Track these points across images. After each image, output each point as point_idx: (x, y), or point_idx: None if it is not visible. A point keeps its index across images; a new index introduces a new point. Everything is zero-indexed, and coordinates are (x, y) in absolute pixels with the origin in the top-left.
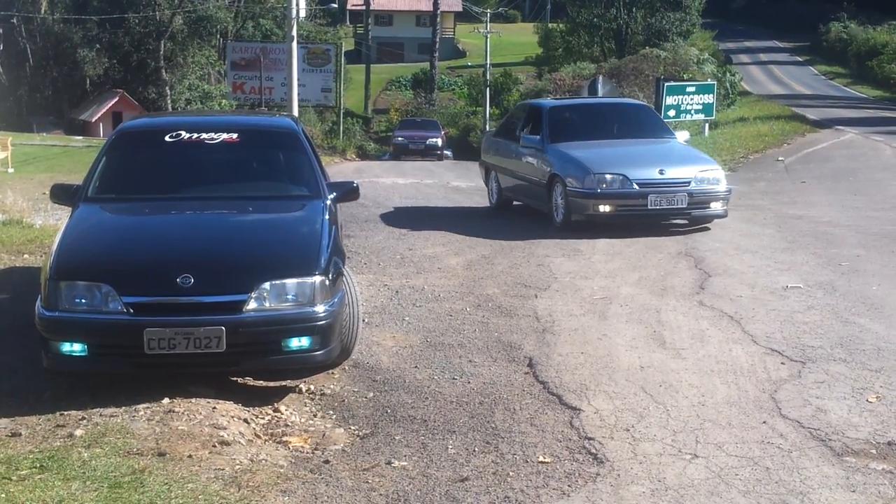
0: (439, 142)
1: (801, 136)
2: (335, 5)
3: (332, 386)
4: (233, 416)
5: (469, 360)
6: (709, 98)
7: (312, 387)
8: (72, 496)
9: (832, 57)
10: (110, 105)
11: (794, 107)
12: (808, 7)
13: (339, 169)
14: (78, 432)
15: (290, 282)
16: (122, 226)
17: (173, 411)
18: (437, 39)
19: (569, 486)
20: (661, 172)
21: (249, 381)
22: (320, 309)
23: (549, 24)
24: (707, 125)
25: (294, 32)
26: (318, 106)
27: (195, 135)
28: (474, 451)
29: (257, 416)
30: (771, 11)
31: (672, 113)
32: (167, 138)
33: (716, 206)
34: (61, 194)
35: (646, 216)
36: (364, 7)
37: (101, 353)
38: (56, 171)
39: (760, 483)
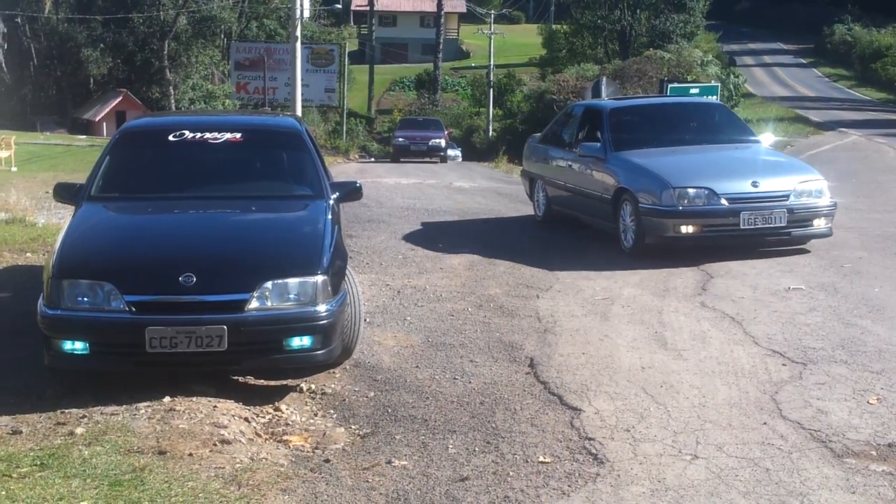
0: (443, 142)
1: (805, 138)
2: (339, 6)
3: (332, 385)
4: (233, 415)
5: (470, 360)
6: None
7: (313, 386)
8: (72, 494)
9: (836, 59)
10: (114, 104)
11: (797, 109)
12: (812, 9)
13: (341, 169)
14: (79, 430)
15: (293, 281)
16: (125, 225)
17: (174, 410)
18: (441, 40)
19: (569, 486)
20: (754, 185)
21: (250, 379)
22: (322, 308)
23: (553, 26)
24: None
25: (298, 33)
26: (322, 106)
27: (199, 134)
28: (475, 450)
29: (258, 415)
30: (775, 13)
31: None
32: (171, 138)
33: (819, 224)
34: (64, 193)
35: (738, 238)
36: (368, 7)
37: (102, 351)
38: (59, 170)
39: (761, 484)
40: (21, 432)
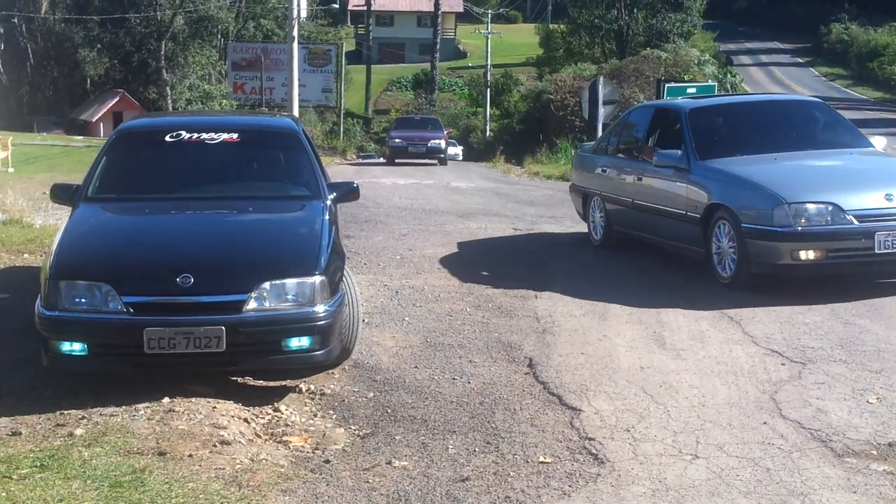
0: (442, 143)
1: None
2: (336, 6)
3: (332, 386)
4: (233, 416)
5: (469, 361)
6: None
7: (312, 386)
8: (72, 495)
9: (833, 58)
10: (111, 105)
11: None
12: (809, 8)
13: (338, 170)
14: (78, 431)
15: (290, 282)
16: (122, 225)
17: (173, 411)
18: (438, 40)
19: (569, 486)
20: (888, 198)
21: (249, 380)
22: (320, 309)
23: (550, 25)
24: None
25: (295, 33)
26: (319, 106)
27: (195, 135)
28: (475, 451)
29: (257, 416)
30: (772, 13)
31: None
32: (167, 138)
33: None
34: (61, 194)
35: (872, 265)
36: (365, 7)
37: (101, 352)
38: (56, 171)
39: (761, 484)
40: (20, 433)
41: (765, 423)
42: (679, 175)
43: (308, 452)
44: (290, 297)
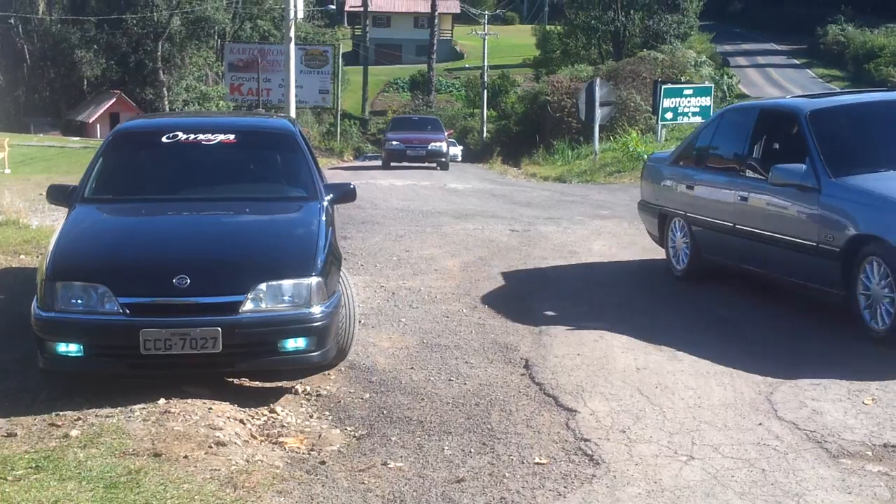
0: (444, 146)
1: None
2: (333, 7)
3: (328, 387)
4: (229, 417)
5: (465, 362)
6: (706, 101)
7: (308, 388)
8: (67, 496)
9: (829, 60)
10: (108, 106)
11: None
12: (805, 10)
13: (334, 173)
14: (74, 433)
15: (287, 283)
16: (119, 227)
17: (169, 412)
18: (435, 41)
19: (565, 487)
20: None
21: (245, 381)
22: (317, 310)
23: (547, 27)
24: None
25: (292, 34)
26: (316, 107)
27: (192, 136)
28: (470, 452)
29: (253, 417)
30: (768, 14)
31: (669, 115)
32: (164, 139)
33: None
34: (58, 195)
35: None
36: (362, 8)
37: (97, 353)
38: (53, 172)
39: (756, 485)
40: (16, 435)
41: (760, 424)
42: (805, 196)
43: (304, 453)
44: (286, 298)
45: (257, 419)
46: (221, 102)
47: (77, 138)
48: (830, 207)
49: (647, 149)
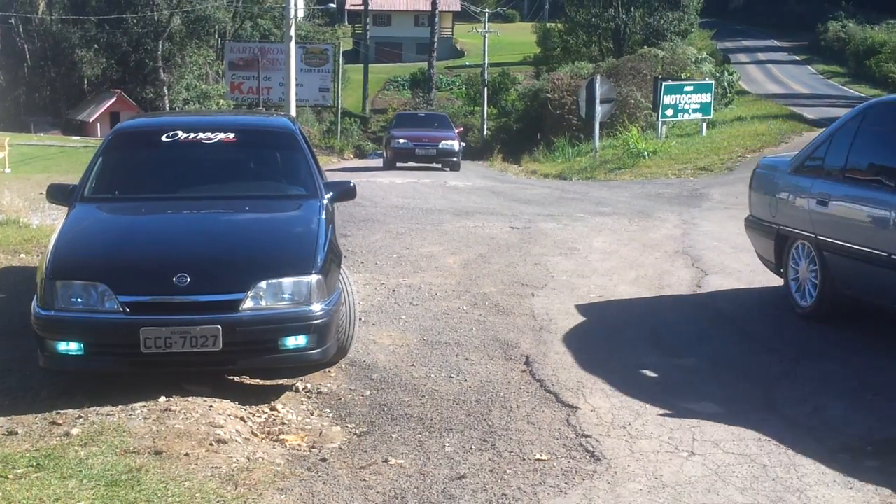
0: (455, 144)
1: (799, 135)
2: (333, 5)
3: (328, 384)
4: (229, 415)
5: (466, 359)
6: (706, 97)
7: (309, 385)
8: (68, 495)
9: (830, 56)
10: (108, 105)
11: (791, 106)
12: (806, 6)
13: (332, 173)
14: (74, 431)
15: (287, 281)
16: (119, 225)
17: (170, 410)
18: (436, 39)
19: (566, 483)
20: None
21: (246, 379)
22: (317, 308)
23: (548, 24)
24: (705, 124)
25: (292, 32)
26: (316, 106)
27: (192, 134)
28: (471, 448)
29: (254, 415)
30: (769, 11)
31: (670, 112)
32: (164, 138)
33: None
34: (58, 194)
35: None
36: (362, 7)
37: (97, 352)
38: (53, 171)
39: (757, 480)
40: (17, 433)
41: (761, 419)
42: None
43: (304, 451)
44: (286, 296)
45: (258, 417)
46: (222, 101)
47: (77, 137)
48: None
49: (647, 146)
